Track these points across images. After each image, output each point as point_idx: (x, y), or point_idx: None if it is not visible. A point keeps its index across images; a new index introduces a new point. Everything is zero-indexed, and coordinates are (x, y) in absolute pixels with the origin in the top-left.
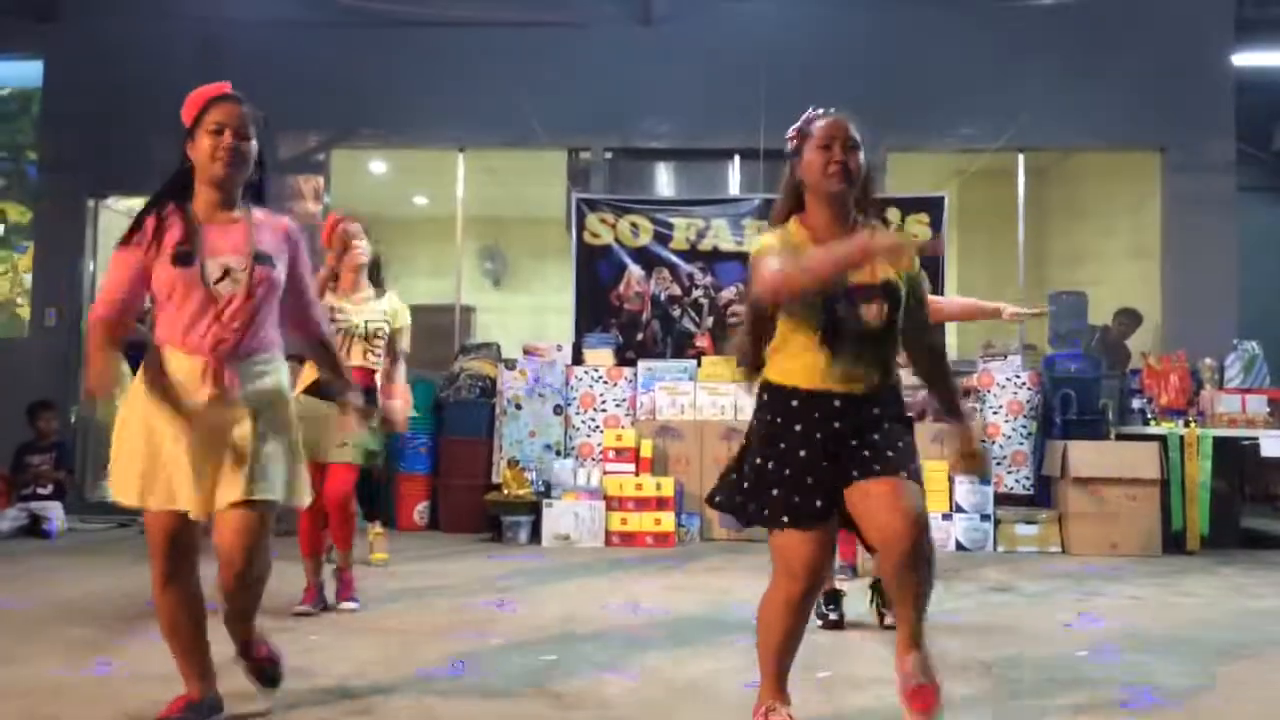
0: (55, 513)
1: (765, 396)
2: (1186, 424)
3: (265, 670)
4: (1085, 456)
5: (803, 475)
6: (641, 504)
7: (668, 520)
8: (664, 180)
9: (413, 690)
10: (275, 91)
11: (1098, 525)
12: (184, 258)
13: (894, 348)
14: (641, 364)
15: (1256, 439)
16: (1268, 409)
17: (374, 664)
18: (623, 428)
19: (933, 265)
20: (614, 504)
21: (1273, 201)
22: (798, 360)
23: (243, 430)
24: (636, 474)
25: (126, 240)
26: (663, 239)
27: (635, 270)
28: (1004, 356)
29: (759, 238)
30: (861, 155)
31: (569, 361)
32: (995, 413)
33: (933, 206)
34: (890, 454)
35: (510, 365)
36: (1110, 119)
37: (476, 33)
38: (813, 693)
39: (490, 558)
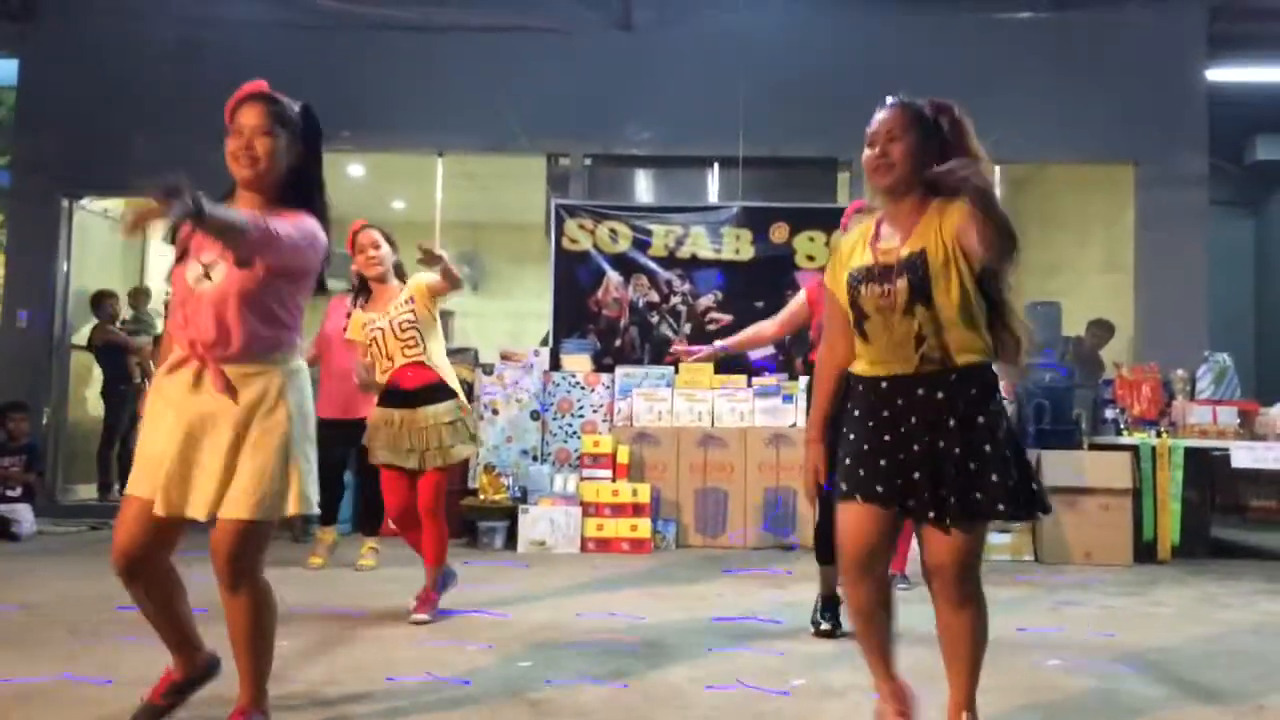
0: (25, 515)
1: (847, 393)
2: (1158, 434)
3: None
4: (1059, 466)
5: (865, 454)
6: (618, 510)
7: (644, 526)
8: (643, 187)
9: (386, 697)
10: None
11: (1071, 534)
12: (179, 255)
13: (949, 325)
14: (619, 370)
15: (1227, 450)
16: (1238, 420)
17: (347, 671)
18: (600, 434)
19: None
20: (590, 510)
21: (1244, 215)
22: (856, 348)
23: (221, 440)
24: (613, 480)
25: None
26: (641, 245)
27: (614, 276)
28: None
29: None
30: (905, 144)
31: (546, 367)
32: None
33: None
34: (959, 495)
35: (487, 370)
36: (1085, 133)
37: (457, 37)
38: (789, 701)
39: (465, 563)
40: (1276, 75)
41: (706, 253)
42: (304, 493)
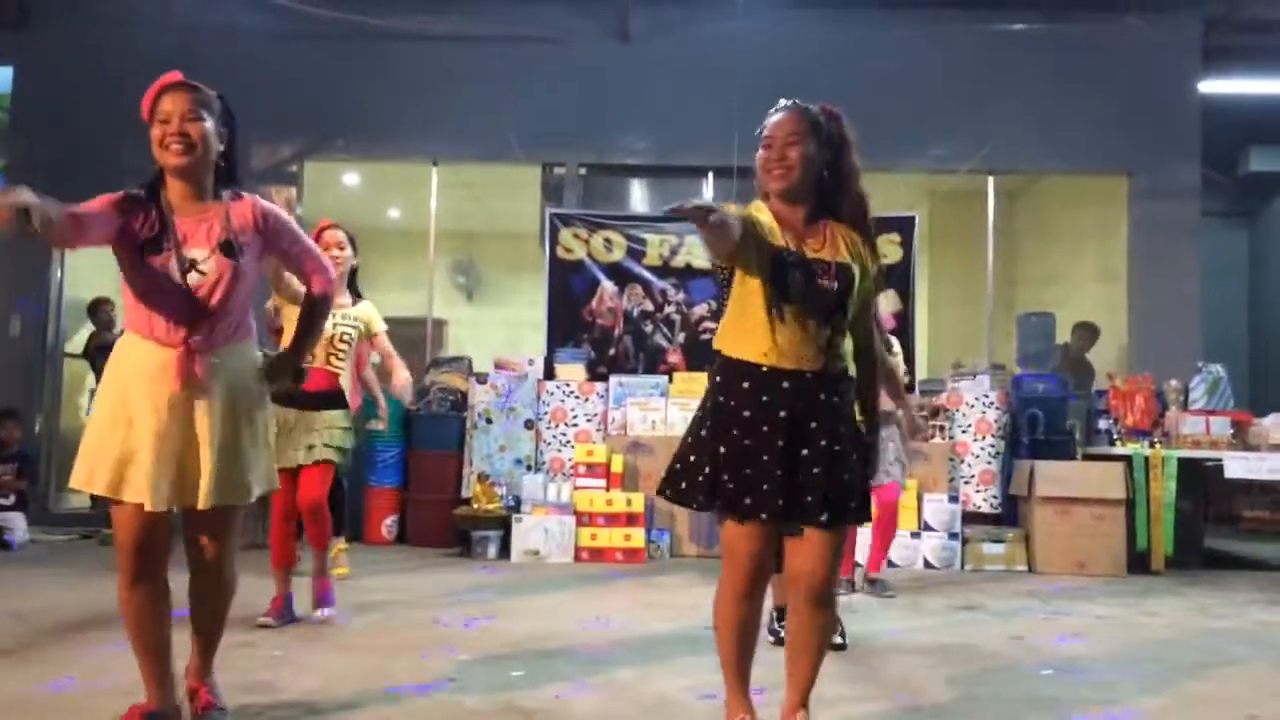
0: (17, 523)
1: (719, 374)
2: (1152, 445)
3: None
4: (1052, 476)
5: (743, 465)
6: (612, 519)
7: (638, 536)
8: (638, 196)
9: (379, 706)
10: (248, 102)
11: (1064, 544)
12: (153, 247)
13: (842, 335)
14: (613, 379)
15: (1220, 460)
16: (1231, 431)
17: (340, 679)
18: (594, 443)
19: (903, 284)
20: (584, 519)
21: (1237, 226)
22: (750, 334)
23: (211, 427)
24: (607, 489)
25: (115, 196)
26: (636, 255)
27: (608, 286)
28: (973, 376)
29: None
30: (803, 148)
31: (541, 376)
32: (964, 432)
33: (904, 226)
34: (836, 497)
35: (481, 379)
36: (1079, 144)
37: (453, 47)
38: (778, 711)
39: (459, 572)
40: (1270, 87)
41: (701, 262)
42: (271, 473)
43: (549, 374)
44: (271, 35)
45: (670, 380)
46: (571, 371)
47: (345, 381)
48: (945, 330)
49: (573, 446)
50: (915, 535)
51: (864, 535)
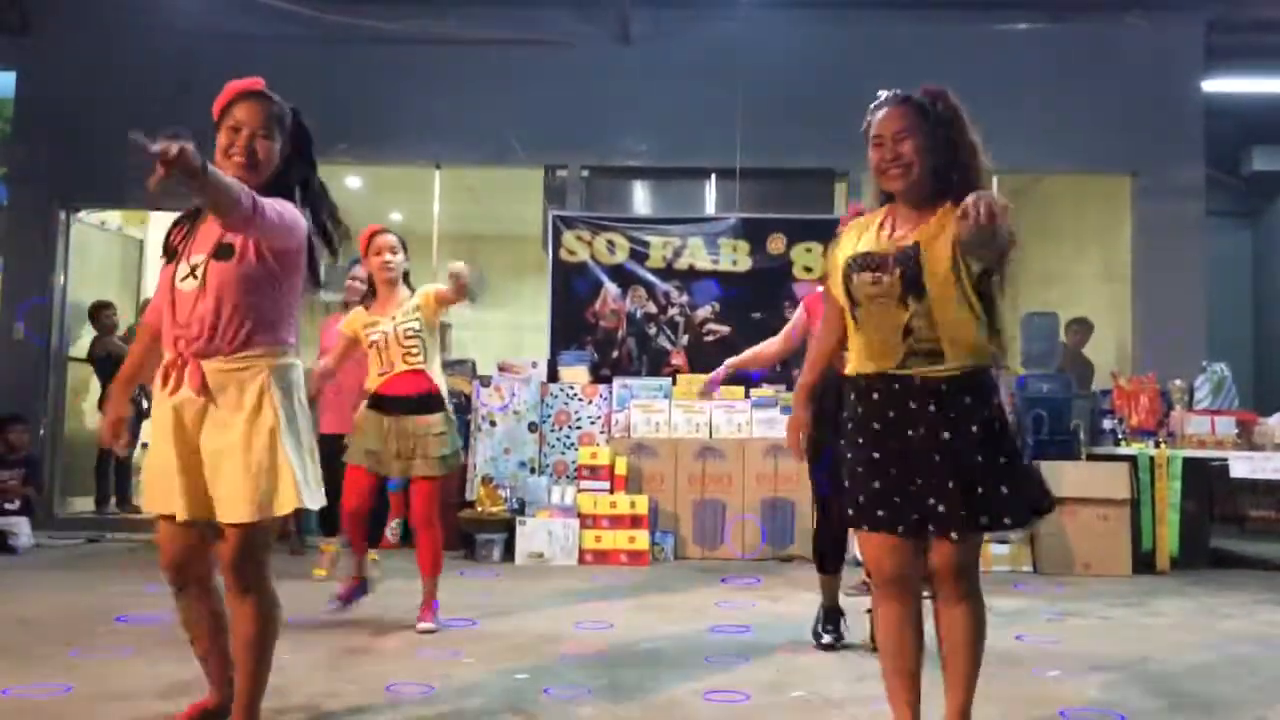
0: (23, 529)
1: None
2: (1157, 445)
3: None
4: (1057, 477)
5: (861, 478)
6: (616, 522)
7: (642, 538)
8: (641, 198)
9: (385, 710)
10: None
11: (1069, 545)
12: (171, 255)
13: (942, 319)
14: (617, 381)
15: (1225, 460)
16: (1236, 430)
17: (345, 683)
18: (597, 445)
19: None
20: (588, 522)
21: (1241, 225)
22: (849, 339)
23: (218, 439)
24: (611, 492)
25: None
26: (639, 257)
27: (611, 288)
28: None
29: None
30: (916, 140)
31: (544, 378)
32: None
33: None
34: (960, 507)
35: (485, 382)
36: (1082, 143)
37: (455, 50)
38: (787, 714)
39: (463, 575)
40: (1273, 86)
41: (704, 264)
42: (296, 490)
43: (552, 376)
44: (273, 39)
45: (674, 382)
46: (575, 374)
47: (435, 375)
48: None
49: (576, 449)
50: None
51: None
